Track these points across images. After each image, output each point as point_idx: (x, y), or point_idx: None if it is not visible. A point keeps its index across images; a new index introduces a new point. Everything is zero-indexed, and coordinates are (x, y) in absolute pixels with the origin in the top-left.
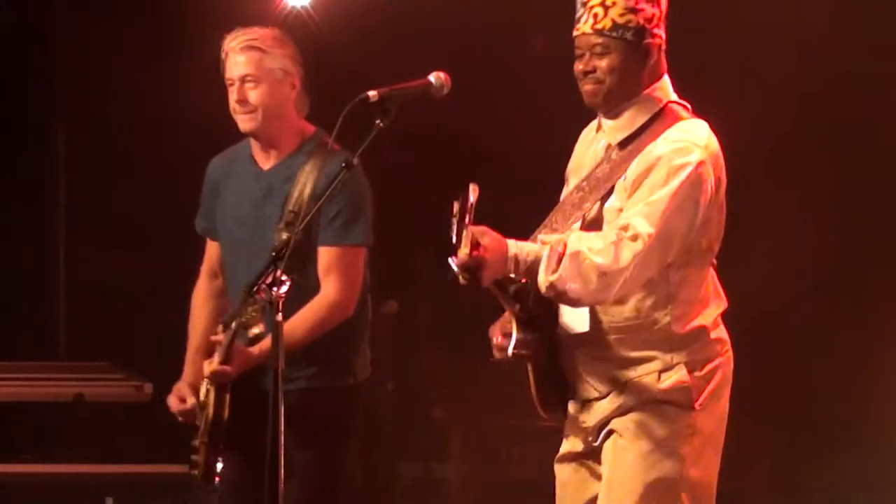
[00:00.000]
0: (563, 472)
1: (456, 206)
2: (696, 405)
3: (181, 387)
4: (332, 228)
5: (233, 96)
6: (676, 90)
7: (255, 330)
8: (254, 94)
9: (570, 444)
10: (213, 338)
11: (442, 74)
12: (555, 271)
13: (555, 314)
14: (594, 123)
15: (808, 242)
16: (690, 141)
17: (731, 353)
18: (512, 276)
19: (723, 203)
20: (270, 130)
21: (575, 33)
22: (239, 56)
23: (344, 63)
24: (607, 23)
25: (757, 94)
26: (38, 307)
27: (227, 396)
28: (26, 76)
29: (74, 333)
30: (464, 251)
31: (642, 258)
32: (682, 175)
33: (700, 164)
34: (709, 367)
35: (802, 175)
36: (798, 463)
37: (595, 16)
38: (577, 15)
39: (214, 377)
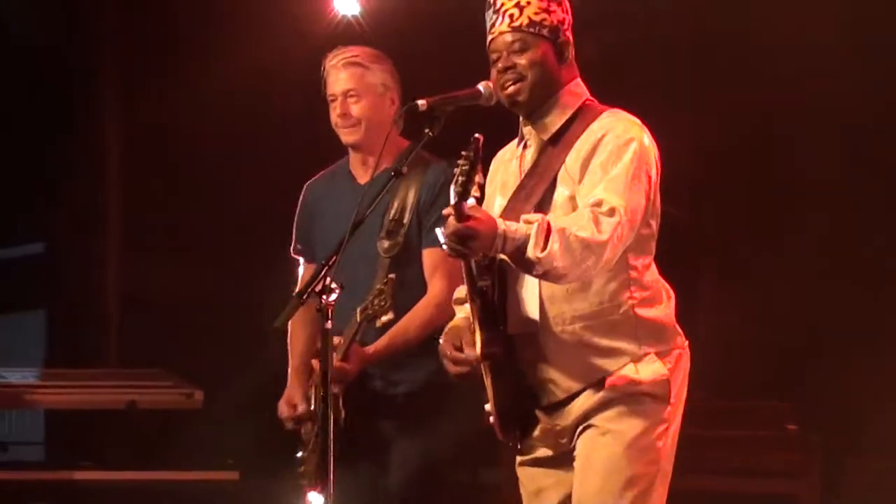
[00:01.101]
0: (529, 475)
1: (464, 163)
2: (672, 398)
3: (292, 394)
4: (436, 232)
5: (335, 111)
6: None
7: (385, 318)
8: (356, 108)
9: (539, 451)
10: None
11: (491, 84)
12: (543, 248)
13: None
14: (509, 146)
15: (852, 243)
16: (627, 120)
17: (688, 346)
18: (478, 267)
19: (658, 188)
20: (371, 143)
21: (490, 38)
22: (341, 72)
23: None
24: (524, 20)
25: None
26: (91, 316)
27: (340, 400)
28: (79, 91)
29: (126, 341)
30: (453, 223)
31: (621, 230)
32: (631, 149)
33: (642, 138)
34: (672, 356)
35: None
36: (845, 469)
37: (511, 16)
38: (490, 22)
39: (336, 376)
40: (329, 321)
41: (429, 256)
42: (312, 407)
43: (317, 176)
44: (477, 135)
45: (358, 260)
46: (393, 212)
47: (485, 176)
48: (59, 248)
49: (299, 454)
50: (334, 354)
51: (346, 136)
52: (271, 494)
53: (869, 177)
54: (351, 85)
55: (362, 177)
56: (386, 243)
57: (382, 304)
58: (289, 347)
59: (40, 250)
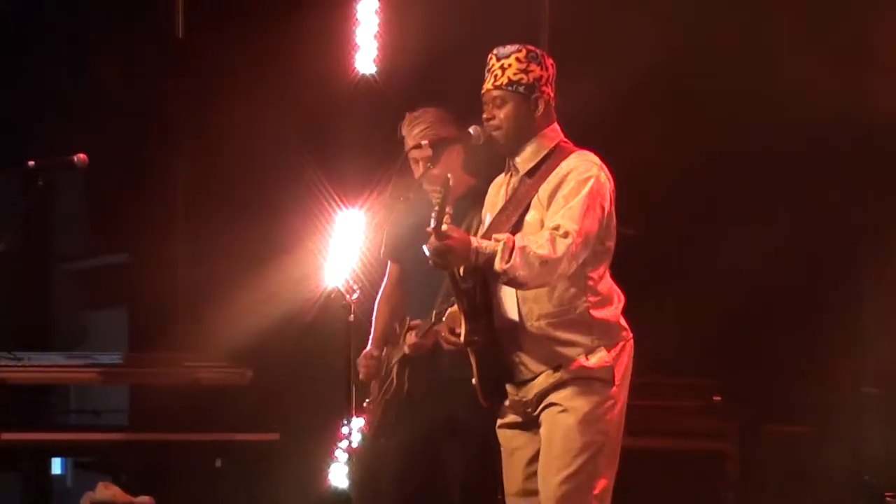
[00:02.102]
0: (506, 437)
1: (438, 198)
2: (616, 381)
3: (370, 351)
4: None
5: (419, 170)
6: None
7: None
8: (437, 171)
9: (511, 417)
10: (413, 322)
11: (479, 128)
12: (507, 261)
13: (492, 309)
14: (500, 178)
15: (778, 241)
16: (588, 160)
17: (632, 340)
18: (464, 273)
19: (614, 214)
20: None
21: (482, 92)
22: (418, 140)
23: (403, 118)
24: (504, 80)
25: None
26: (164, 311)
27: (406, 375)
28: (155, 137)
29: (191, 330)
30: (433, 241)
31: (573, 250)
32: (589, 185)
33: (599, 176)
34: (618, 348)
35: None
36: (761, 432)
37: (495, 76)
38: (485, 79)
39: (413, 348)
40: (352, 315)
41: None
42: (382, 373)
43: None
44: (448, 175)
45: (433, 272)
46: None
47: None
48: (139, 257)
49: (365, 403)
50: (414, 332)
51: (429, 186)
52: (305, 452)
53: (785, 192)
54: (428, 152)
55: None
56: None
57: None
58: (373, 320)
59: (125, 260)
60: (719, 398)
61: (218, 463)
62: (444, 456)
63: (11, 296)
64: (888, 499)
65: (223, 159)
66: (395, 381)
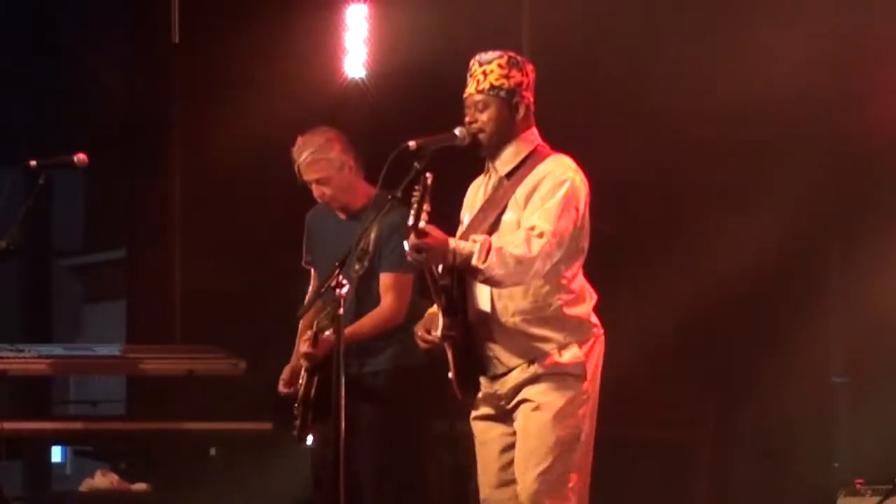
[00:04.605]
0: (479, 429)
1: (416, 194)
2: (588, 376)
3: (290, 365)
4: (391, 259)
5: (314, 193)
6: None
7: (328, 332)
8: (328, 190)
9: (485, 410)
10: (304, 338)
11: (464, 129)
12: (484, 261)
13: (466, 305)
14: (478, 180)
15: (740, 251)
16: (565, 164)
17: (603, 335)
18: (442, 271)
19: (588, 216)
20: (344, 201)
21: (464, 96)
22: (306, 166)
23: (391, 120)
24: (486, 85)
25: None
26: (160, 305)
27: (315, 380)
28: (151, 138)
29: (187, 324)
30: (412, 239)
31: (548, 249)
32: (564, 188)
33: (575, 179)
34: (589, 344)
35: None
36: (734, 421)
37: (478, 81)
38: (466, 84)
39: (306, 357)
40: (341, 308)
41: (384, 278)
42: (301, 382)
43: (312, 210)
44: (427, 174)
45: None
46: (362, 243)
47: (432, 205)
48: (136, 253)
49: (295, 411)
50: (307, 342)
51: (327, 204)
52: (296, 442)
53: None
54: (317, 175)
55: (342, 216)
56: (356, 265)
57: (328, 321)
58: (300, 327)
59: (122, 255)
60: (694, 388)
61: (212, 451)
62: (351, 455)
63: (13, 290)
64: (858, 485)
65: (217, 159)
66: (302, 387)
